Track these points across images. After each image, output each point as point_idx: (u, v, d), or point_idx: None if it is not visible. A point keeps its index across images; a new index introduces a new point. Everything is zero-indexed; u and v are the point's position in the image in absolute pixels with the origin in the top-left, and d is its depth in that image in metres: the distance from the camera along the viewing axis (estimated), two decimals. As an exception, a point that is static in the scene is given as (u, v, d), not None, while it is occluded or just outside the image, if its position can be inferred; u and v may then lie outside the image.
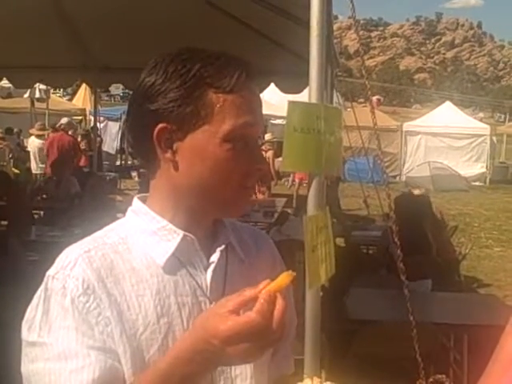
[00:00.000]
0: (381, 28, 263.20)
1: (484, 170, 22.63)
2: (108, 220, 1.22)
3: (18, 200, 6.90)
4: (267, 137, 16.22)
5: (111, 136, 19.74)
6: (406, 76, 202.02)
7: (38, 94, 17.52)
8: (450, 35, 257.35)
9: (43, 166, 13.43)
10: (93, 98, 9.55)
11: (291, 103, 2.02)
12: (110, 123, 19.71)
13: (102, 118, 16.94)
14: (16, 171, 14.40)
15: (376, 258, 5.87)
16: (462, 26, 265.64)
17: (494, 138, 23.65)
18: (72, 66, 7.15)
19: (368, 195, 8.60)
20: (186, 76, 1.10)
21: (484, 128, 23.01)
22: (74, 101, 23.26)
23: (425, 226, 5.46)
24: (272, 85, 6.35)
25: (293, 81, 5.82)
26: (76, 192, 8.20)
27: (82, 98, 20.86)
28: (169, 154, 1.13)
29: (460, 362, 3.98)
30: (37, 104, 18.30)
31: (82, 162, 13.14)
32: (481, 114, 66.54)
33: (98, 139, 14.53)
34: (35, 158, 14.06)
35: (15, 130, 17.90)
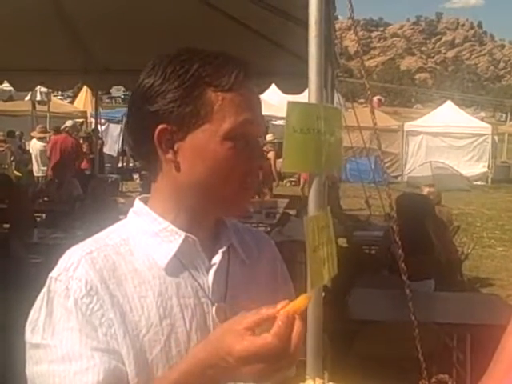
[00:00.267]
0: (381, 28, 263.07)
1: (486, 169, 22.59)
2: (110, 222, 1.22)
3: (20, 203, 6.90)
4: (268, 137, 16.23)
5: (113, 138, 19.72)
6: (406, 76, 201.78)
7: (39, 97, 17.52)
8: (450, 35, 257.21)
9: (45, 168, 13.44)
10: (94, 101, 9.55)
11: (290, 103, 2.02)
12: (112, 125, 19.69)
13: (103, 121, 16.92)
14: (18, 174, 14.42)
15: (378, 258, 5.87)
16: (463, 25, 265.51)
17: (496, 138, 23.63)
18: (73, 68, 7.17)
19: (370, 195, 8.60)
20: (184, 76, 1.11)
21: (485, 127, 23.00)
22: (75, 103, 23.27)
23: (427, 225, 5.46)
24: (272, 85, 6.35)
25: (293, 81, 5.82)
26: (78, 194, 8.21)
27: (83, 100, 20.88)
28: (170, 155, 1.13)
29: (463, 362, 3.97)
30: (38, 107, 18.29)
31: (84, 165, 13.15)
32: (482, 114, 66.44)
33: (100, 141, 14.53)
34: (37, 161, 14.06)
35: (17, 132, 17.92)
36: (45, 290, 1.11)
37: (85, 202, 7.60)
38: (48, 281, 1.11)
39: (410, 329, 2.65)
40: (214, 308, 1.15)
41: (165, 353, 1.10)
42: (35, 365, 1.07)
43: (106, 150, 18.02)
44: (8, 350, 2.11)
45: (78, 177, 9.22)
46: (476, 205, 17.03)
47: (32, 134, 15.15)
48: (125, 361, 1.07)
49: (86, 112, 19.99)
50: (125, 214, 1.24)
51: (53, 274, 1.11)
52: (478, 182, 22.05)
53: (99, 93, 9.22)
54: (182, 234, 1.15)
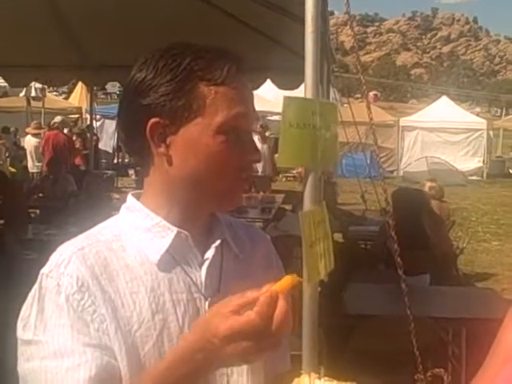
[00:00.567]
0: (377, 23, 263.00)
1: (481, 164, 22.68)
2: (105, 218, 1.22)
3: (15, 199, 6.88)
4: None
5: (108, 134, 19.67)
6: (402, 71, 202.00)
7: (33, 93, 17.50)
8: (445, 30, 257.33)
9: (40, 164, 13.43)
10: (89, 97, 9.53)
11: (286, 99, 2.02)
12: (107, 121, 19.64)
13: (98, 117, 16.90)
14: (13, 170, 14.39)
15: (374, 252, 5.88)
16: (458, 20, 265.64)
17: (491, 133, 23.73)
18: (68, 64, 7.14)
19: (365, 190, 8.62)
20: (176, 70, 1.10)
21: (481, 122, 23.07)
22: (70, 99, 23.22)
23: (423, 220, 5.47)
24: (268, 81, 6.34)
25: (289, 77, 5.83)
26: (72, 190, 8.19)
27: (79, 96, 20.83)
28: (162, 149, 1.13)
29: (458, 356, 3.99)
30: (33, 103, 18.25)
31: (78, 161, 13.13)
32: (477, 109, 66.62)
33: (95, 137, 14.51)
34: (32, 157, 14.05)
35: (11, 128, 17.87)
36: (36, 286, 1.10)
37: (79, 198, 7.60)
38: (39, 277, 1.10)
39: (405, 323, 2.66)
40: (207, 303, 1.15)
41: (157, 348, 1.09)
42: (27, 361, 1.07)
43: (101, 145, 18.00)
44: (0, 347, 2.09)
45: (72, 173, 9.20)
46: (471, 199, 17.07)
47: (27, 130, 15.13)
48: (117, 356, 1.07)
49: (81, 108, 19.97)
50: (119, 209, 1.23)
51: (44, 270, 1.10)
52: (474, 177, 22.12)
53: (94, 89, 9.20)
54: (175, 230, 1.15)
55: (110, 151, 19.33)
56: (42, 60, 6.80)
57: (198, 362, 1.00)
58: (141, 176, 1.24)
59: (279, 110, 2.03)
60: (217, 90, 1.11)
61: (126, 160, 18.71)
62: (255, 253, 1.29)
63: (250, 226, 1.41)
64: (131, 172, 16.69)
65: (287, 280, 1.01)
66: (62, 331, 1.05)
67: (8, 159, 15.42)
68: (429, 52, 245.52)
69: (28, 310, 1.09)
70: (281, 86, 6.37)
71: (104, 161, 17.64)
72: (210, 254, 1.18)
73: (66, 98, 25.37)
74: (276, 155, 13.88)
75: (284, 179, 18.71)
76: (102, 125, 19.42)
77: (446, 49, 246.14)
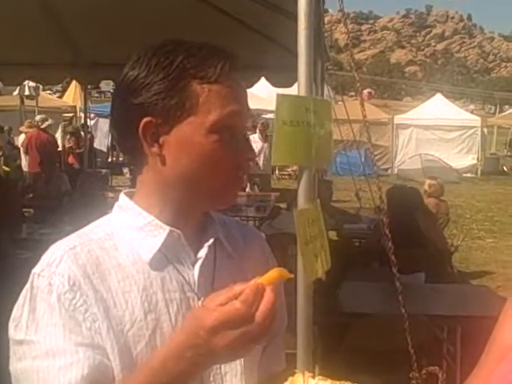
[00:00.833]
0: (371, 21, 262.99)
1: (475, 161, 22.73)
2: (99, 217, 1.21)
3: (9, 197, 6.83)
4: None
5: (102, 133, 19.63)
6: (396, 69, 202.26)
7: (27, 92, 17.42)
8: (440, 28, 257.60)
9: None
10: (83, 95, 9.49)
11: (280, 96, 2.01)
12: (101, 120, 19.59)
13: (92, 115, 16.85)
14: (6, 169, 14.32)
15: (368, 251, 5.88)
16: (452, 18, 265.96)
17: (485, 130, 23.78)
18: (61, 62, 7.10)
19: (360, 188, 8.62)
20: (169, 68, 1.09)
21: (475, 120, 23.13)
22: (64, 98, 23.15)
23: (417, 218, 5.47)
24: (262, 79, 6.33)
25: (283, 75, 5.81)
26: (66, 189, 8.18)
27: (73, 94, 20.76)
28: (155, 148, 1.12)
29: (453, 354, 3.99)
30: (26, 101, 18.19)
31: (71, 160, 13.10)
32: (471, 106, 66.81)
33: (89, 136, 14.46)
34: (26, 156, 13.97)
35: (5, 127, 17.80)
36: (28, 286, 1.09)
37: (73, 196, 7.57)
38: (31, 277, 1.10)
39: (400, 321, 2.65)
40: (200, 302, 1.14)
41: (150, 347, 1.09)
42: (19, 361, 1.06)
43: (95, 144, 17.96)
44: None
45: (66, 172, 9.18)
46: (466, 197, 17.12)
47: (21, 128, 15.06)
48: (109, 356, 1.06)
49: (75, 107, 19.88)
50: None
51: (36, 269, 1.10)
52: (468, 174, 22.19)
53: (88, 87, 9.17)
54: (167, 228, 1.14)
55: (105, 150, 19.28)
56: (35, 58, 6.76)
57: (188, 359, 0.99)
58: (134, 174, 1.24)
59: (273, 107, 2.02)
60: (210, 88, 1.10)
61: (121, 158, 18.68)
62: (249, 252, 1.28)
63: (244, 225, 1.41)
64: (125, 170, 16.66)
65: (274, 272, 1.01)
66: (53, 331, 1.04)
67: (2, 158, 15.35)
68: (423, 49, 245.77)
69: (20, 310, 1.08)
70: (275, 84, 6.36)
71: (98, 159, 17.60)
72: (202, 252, 1.17)
73: (60, 97, 25.29)
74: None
75: (278, 177, 18.70)
76: (96, 123, 19.38)
77: (440, 46, 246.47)
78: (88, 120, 10.85)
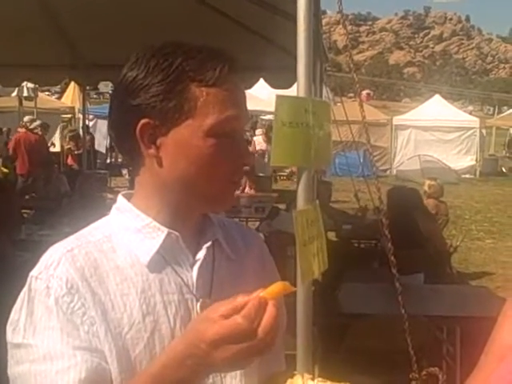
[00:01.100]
0: (369, 22, 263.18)
1: (474, 162, 22.73)
2: (98, 218, 1.21)
3: (8, 199, 6.83)
4: (257, 132, 16.21)
5: (101, 134, 19.61)
6: (395, 70, 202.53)
7: (26, 93, 17.39)
8: (438, 29, 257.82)
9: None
10: (81, 96, 9.48)
11: (279, 97, 2.01)
12: (100, 121, 19.57)
13: (91, 116, 16.84)
14: (5, 170, 14.30)
15: (368, 251, 5.88)
16: (451, 19, 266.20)
17: (484, 131, 23.79)
18: (60, 63, 7.10)
19: (359, 189, 8.61)
20: (167, 70, 1.09)
21: (473, 121, 23.12)
22: (62, 99, 23.12)
23: (417, 218, 5.47)
24: (261, 80, 6.33)
25: (282, 76, 5.81)
26: (65, 191, 8.17)
27: (71, 96, 20.74)
28: (152, 150, 1.11)
29: (453, 354, 3.99)
30: (25, 103, 18.15)
31: (71, 161, 13.09)
32: (470, 107, 66.87)
33: (89, 137, 14.45)
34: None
35: (4, 128, 17.78)
36: (25, 289, 1.09)
37: (72, 198, 7.57)
38: (29, 279, 1.09)
39: (399, 322, 2.65)
40: (198, 304, 1.14)
41: (148, 350, 1.08)
42: (17, 365, 1.06)
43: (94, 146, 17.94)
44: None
45: (65, 173, 9.17)
46: (464, 198, 17.12)
47: (19, 130, 15.04)
48: (107, 359, 1.06)
49: (73, 108, 19.86)
50: (112, 210, 1.23)
51: (33, 272, 1.09)
52: (467, 175, 22.18)
53: (87, 88, 9.16)
54: (165, 230, 1.13)
55: (103, 151, 19.27)
56: (33, 59, 6.75)
57: (187, 368, 0.99)
58: (133, 176, 1.23)
59: (272, 109, 2.02)
60: (208, 91, 1.09)
61: (120, 160, 18.66)
62: (248, 253, 1.28)
63: (244, 227, 1.40)
64: (124, 172, 16.64)
65: (278, 286, 1.00)
66: (51, 334, 1.04)
67: (0, 159, 15.33)
68: (421, 51, 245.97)
69: (17, 314, 1.08)
70: (274, 86, 6.35)
71: (98, 161, 17.60)
72: (201, 254, 1.16)
73: (59, 98, 25.27)
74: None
75: (275, 178, 18.68)
76: (94, 124, 19.37)
77: (438, 48, 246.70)
78: (87, 121, 10.85)
